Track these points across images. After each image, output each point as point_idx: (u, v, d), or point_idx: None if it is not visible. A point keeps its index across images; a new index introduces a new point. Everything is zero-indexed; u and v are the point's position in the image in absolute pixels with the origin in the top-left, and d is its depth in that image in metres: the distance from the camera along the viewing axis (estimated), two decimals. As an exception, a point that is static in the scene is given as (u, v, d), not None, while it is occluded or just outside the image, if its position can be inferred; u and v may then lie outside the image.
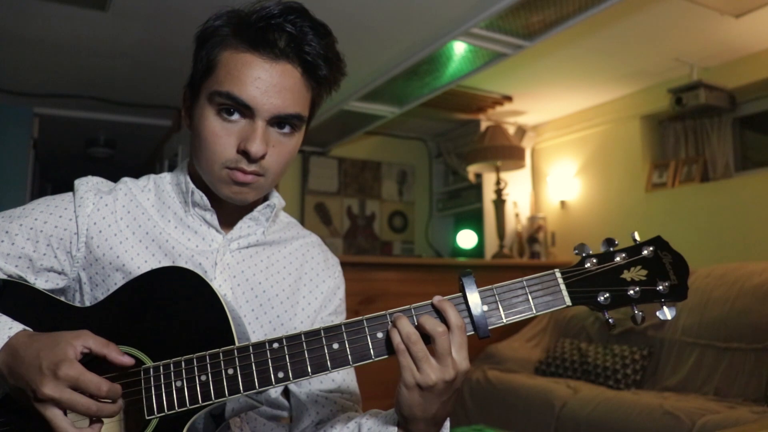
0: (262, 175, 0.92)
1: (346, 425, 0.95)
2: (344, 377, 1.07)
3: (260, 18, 0.89)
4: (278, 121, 0.91)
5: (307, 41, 0.90)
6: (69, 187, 1.03)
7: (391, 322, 0.80)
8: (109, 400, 0.77)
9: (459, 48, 3.04)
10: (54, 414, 0.75)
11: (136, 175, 1.08)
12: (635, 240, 0.85)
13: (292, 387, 1.07)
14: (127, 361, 0.79)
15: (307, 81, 0.93)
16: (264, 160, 0.91)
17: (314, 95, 0.96)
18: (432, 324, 0.77)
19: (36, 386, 0.74)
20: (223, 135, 0.90)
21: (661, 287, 0.81)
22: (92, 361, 0.80)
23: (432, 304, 0.81)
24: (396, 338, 0.78)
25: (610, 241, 0.84)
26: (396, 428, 0.85)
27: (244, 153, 0.89)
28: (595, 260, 0.83)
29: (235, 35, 0.90)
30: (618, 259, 0.83)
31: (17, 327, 0.81)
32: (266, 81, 0.89)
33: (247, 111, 0.89)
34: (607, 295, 0.81)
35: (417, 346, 0.77)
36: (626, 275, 0.82)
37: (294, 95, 0.91)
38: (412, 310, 0.81)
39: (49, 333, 0.80)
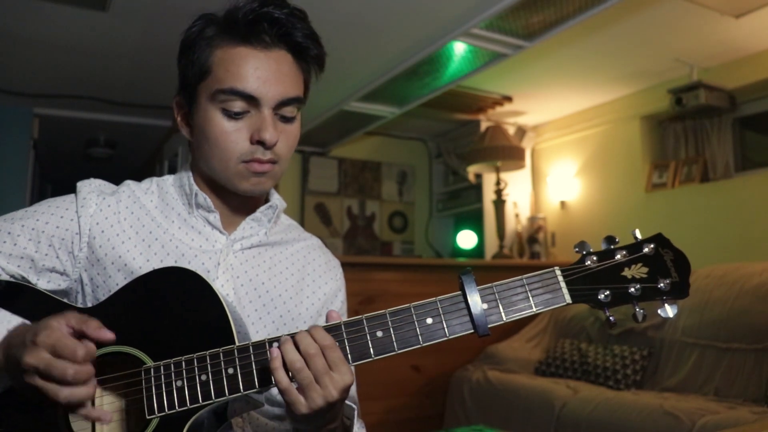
0: (276, 163, 0.96)
1: None
2: None
3: (246, 12, 0.92)
4: (281, 107, 0.95)
5: (294, 26, 0.94)
6: (69, 188, 1.04)
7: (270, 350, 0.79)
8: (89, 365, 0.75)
9: (459, 48, 3.04)
10: (40, 382, 0.73)
11: (137, 175, 1.09)
12: (636, 237, 0.85)
13: None
14: (107, 335, 0.75)
15: (298, 64, 0.98)
16: (276, 146, 0.94)
17: (306, 77, 1.01)
18: (305, 345, 0.77)
19: (20, 358, 0.73)
20: (233, 131, 0.93)
21: (662, 285, 0.81)
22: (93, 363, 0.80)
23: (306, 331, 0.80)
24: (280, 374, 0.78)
25: (610, 239, 0.84)
26: None
27: (259, 143, 0.93)
28: (595, 258, 0.83)
29: (223, 34, 0.94)
30: (618, 256, 0.83)
31: (16, 320, 0.82)
32: (265, 70, 0.92)
33: (252, 102, 0.93)
34: (608, 292, 0.81)
35: (303, 373, 0.77)
36: (627, 273, 0.82)
37: (291, 79, 0.95)
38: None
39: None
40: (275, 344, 0.80)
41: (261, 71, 0.92)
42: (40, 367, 0.72)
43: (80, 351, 0.73)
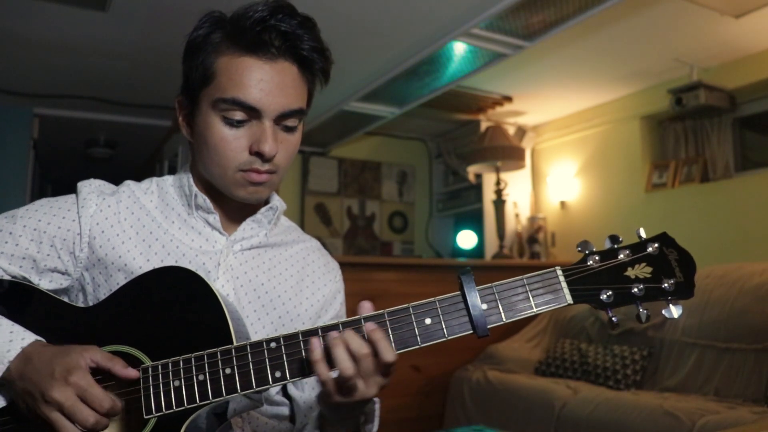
0: (274, 173, 0.96)
1: None
2: None
3: (254, 22, 0.90)
4: (283, 119, 0.94)
5: (300, 38, 0.93)
6: (69, 188, 1.04)
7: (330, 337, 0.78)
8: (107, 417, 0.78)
9: (459, 48, 3.04)
10: (59, 417, 0.76)
11: (137, 175, 1.09)
12: (640, 237, 0.83)
13: (293, 391, 1.07)
14: (133, 374, 0.80)
15: (303, 75, 0.97)
16: (275, 157, 0.94)
17: (310, 87, 1.00)
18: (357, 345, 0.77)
19: (45, 389, 0.75)
20: (232, 140, 0.92)
21: (666, 285, 0.80)
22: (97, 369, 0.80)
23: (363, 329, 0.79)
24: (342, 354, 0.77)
25: (614, 238, 0.82)
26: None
27: (257, 154, 0.92)
28: (597, 257, 0.82)
29: (229, 41, 0.92)
30: (622, 256, 0.81)
31: (30, 337, 0.83)
32: (269, 82, 0.91)
33: (253, 113, 0.92)
34: (610, 293, 0.80)
35: (354, 380, 0.77)
36: (630, 273, 0.81)
37: (295, 91, 0.94)
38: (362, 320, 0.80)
39: (60, 345, 0.81)
40: (313, 336, 0.78)
41: (264, 83, 0.91)
42: (65, 405, 0.75)
43: (106, 404, 0.76)
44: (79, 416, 0.75)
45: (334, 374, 0.77)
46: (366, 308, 0.81)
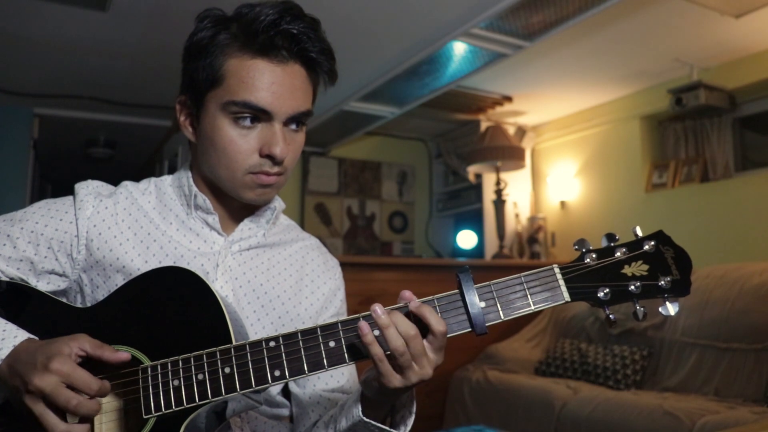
0: (282, 174, 0.96)
1: (325, 421, 0.99)
2: (348, 377, 1.08)
3: (266, 25, 0.90)
4: (292, 120, 0.94)
5: (309, 41, 0.93)
6: (69, 188, 1.04)
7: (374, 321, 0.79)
8: (95, 399, 0.77)
9: (459, 48, 3.04)
10: (43, 409, 0.75)
11: (136, 175, 1.09)
12: (636, 235, 0.83)
13: (294, 388, 1.07)
14: (123, 356, 0.79)
15: (310, 77, 0.97)
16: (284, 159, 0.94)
17: (315, 88, 1.00)
18: (406, 327, 0.78)
19: (28, 379, 0.74)
20: (242, 143, 0.92)
21: (662, 282, 0.80)
22: (89, 361, 0.80)
23: (409, 310, 0.80)
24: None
25: (610, 236, 0.83)
26: (360, 409, 0.88)
27: (268, 157, 0.92)
28: (594, 255, 0.82)
29: (238, 43, 0.92)
30: (618, 254, 0.82)
31: (23, 335, 0.82)
32: (280, 85, 0.91)
33: (264, 116, 0.92)
34: (607, 290, 0.80)
35: (417, 341, 0.78)
36: (627, 270, 0.81)
37: (303, 93, 0.95)
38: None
39: (50, 339, 0.80)
40: (362, 319, 0.79)
41: (276, 86, 0.91)
42: (47, 390, 0.74)
43: (94, 386, 0.76)
44: (60, 399, 0.74)
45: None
46: (407, 297, 0.82)
